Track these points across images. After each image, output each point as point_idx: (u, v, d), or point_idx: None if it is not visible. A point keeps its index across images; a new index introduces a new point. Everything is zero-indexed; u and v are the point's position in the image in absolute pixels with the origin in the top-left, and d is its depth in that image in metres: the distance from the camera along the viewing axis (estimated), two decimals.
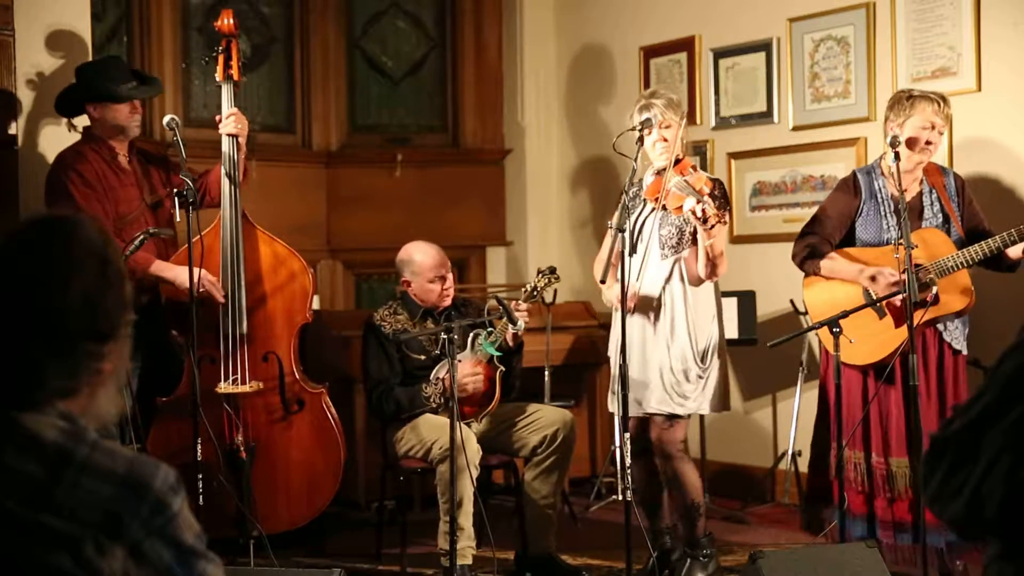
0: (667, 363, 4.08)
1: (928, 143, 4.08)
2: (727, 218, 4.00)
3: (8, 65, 4.60)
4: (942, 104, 4.08)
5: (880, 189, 4.16)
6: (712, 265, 4.01)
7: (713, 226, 3.84)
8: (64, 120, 4.60)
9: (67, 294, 1.55)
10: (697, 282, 4.09)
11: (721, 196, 4.05)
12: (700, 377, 4.08)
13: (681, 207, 3.89)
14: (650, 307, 4.10)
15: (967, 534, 1.63)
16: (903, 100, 4.12)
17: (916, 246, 3.91)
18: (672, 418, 4.11)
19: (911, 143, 4.07)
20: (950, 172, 4.25)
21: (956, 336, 4.09)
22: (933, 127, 4.07)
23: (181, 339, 4.37)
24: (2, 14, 4.57)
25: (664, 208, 4.01)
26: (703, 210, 3.79)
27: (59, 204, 4.22)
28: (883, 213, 4.13)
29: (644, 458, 4.23)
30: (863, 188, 4.20)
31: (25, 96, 4.68)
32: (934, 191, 4.15)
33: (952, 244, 4.05)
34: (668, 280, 4.09)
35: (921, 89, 4.21)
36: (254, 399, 4.41)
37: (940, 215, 4.12)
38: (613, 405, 4.24)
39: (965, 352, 4.12)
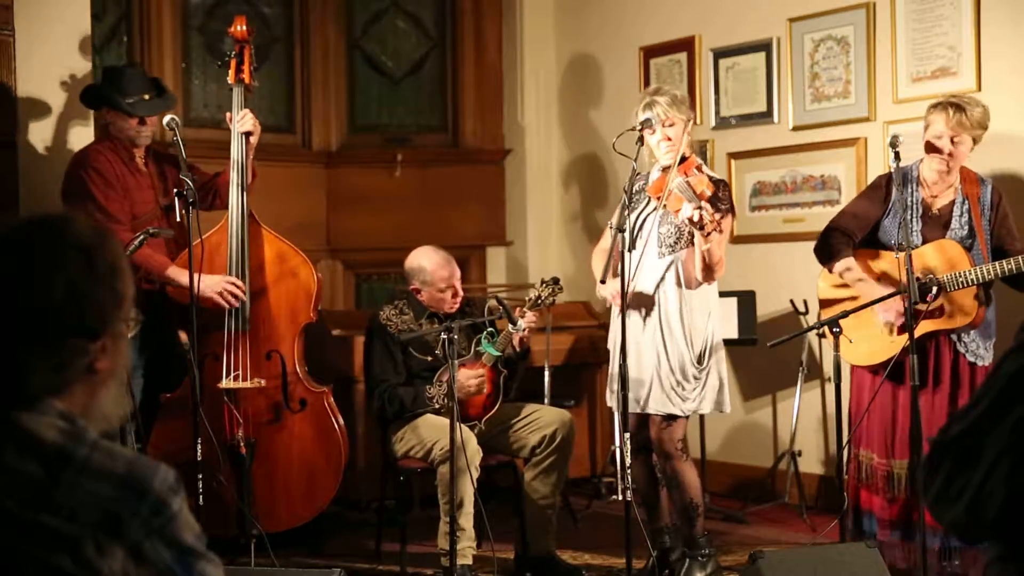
0: (664, 364, 4.06)
1: (948, 153, 4.06)
2: (724, 225, 3.94)
3: (8, 65, 4.60)
4: (953, 112, 4.02)
5: (911, 193, 4.15)
6: (708, 269, 3.98)
7: (709, 233, 3.81)
8: (66, 118, 4.64)
9: (50, 292, 1.55)
10: (694, 284, 4.07)
11: (724, 199, 4.01)
12: (697, 378, 4.07)
13: (680, 209, 3.87)
14: (644, 305, 4.09)
15: (968, 538, 1.63)
16: (929, 107, 4.14)
17: (917, 245, 3.94)
18: (670, 418, 4.10)
19: (929, 148, 4.08)
20: (988, 184, 4.17)
21: (972, 350, 4.06)
22: (943, 137, 4.04)
23: (187, 339, 4.40)
24: (2, 14, 4.58)
25: (665, 207, 4.00)
26: (700, 216, 3.77)
27: (78, 201, 4.30)
28: (910, 217, 4.12)
29: (643, 455, 4.23)
30: (893, 193, 4.16)
31: (25, 96, 4.68)
32: (967, 202, 4.10)
33: (967, 259, 4.01)
34: (663, 279, 4.08)
35: (957, 96, 4.14)
36: (255, 396, 4.44)
37: (966, 228, 4.07)
38: (612, 401, 4.24)
39: (987, 364, 4.07)
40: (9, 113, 4.63)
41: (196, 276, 4.05)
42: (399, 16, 6.62)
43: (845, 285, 4.22)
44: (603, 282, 4.09)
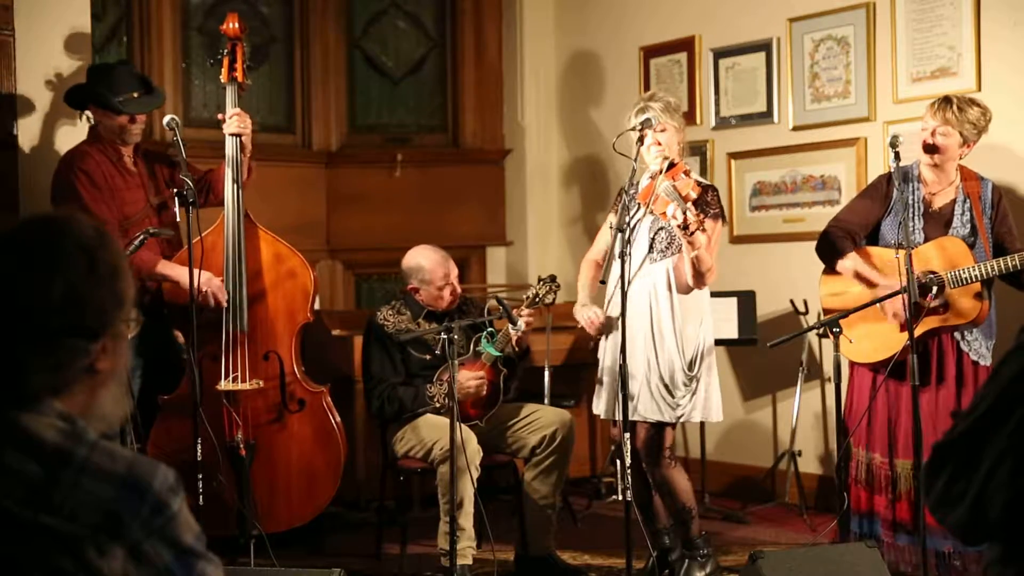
0: (655, 371, 4.04)
1: (933, 147, 4.08)
2: (709, 225, 3.93)
3: (8, 65, 4.60)
4: (940, 105, 4.08)
5: (913, 191, 4.16)
6: (699, 275, 3.98)
7: (692, 232, 3.80)
8: (66, 118, 4.63)
9: (50, 292, 1.55)
10: (685, 290, 4.05)
11: (713, 204, 4.03)
12: (687, 385, 4.04)
13: (665, 212, 3.89)
14: (636, 312, 4.06)
15: (970, 540, 1.63)
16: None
17: (917, 244, 3.94)
18: (659, 425, 4.09)
19: (923, 144, 4.12)
20: (988, 182, 4.19)
21: (975, 348, 4.06)
22: (927, 129, 4.09)
23: (184, 339, 4.39)
24: (2, 14, 4.58)
25: (652, 211, 4.01)
26: (683, 216, 3.78)
27: (66, 203, 4.26)
28: (911, 216, 4.12)
29: (633, 462, 4.21)
30: (894, 192, 4.16)
31: (25, 96, 4.68)
32: (968, 200, 4.11)
33: (970, 256, 4.02)
34: (654, 285, 4.06)
35: (957, 95, 4.19)
36: (254, 397, 4.42)
37: (968, 226, 4.08)
38: (598, 407, 4.23)
39: (988, 364, 4.08)
40: (9, 113, 4.63)
41: (196, 276, 4.04)
42: (399, 16, 6.62)
43: (845, 292, 4.22)
44: (603, 282, 4.06)
